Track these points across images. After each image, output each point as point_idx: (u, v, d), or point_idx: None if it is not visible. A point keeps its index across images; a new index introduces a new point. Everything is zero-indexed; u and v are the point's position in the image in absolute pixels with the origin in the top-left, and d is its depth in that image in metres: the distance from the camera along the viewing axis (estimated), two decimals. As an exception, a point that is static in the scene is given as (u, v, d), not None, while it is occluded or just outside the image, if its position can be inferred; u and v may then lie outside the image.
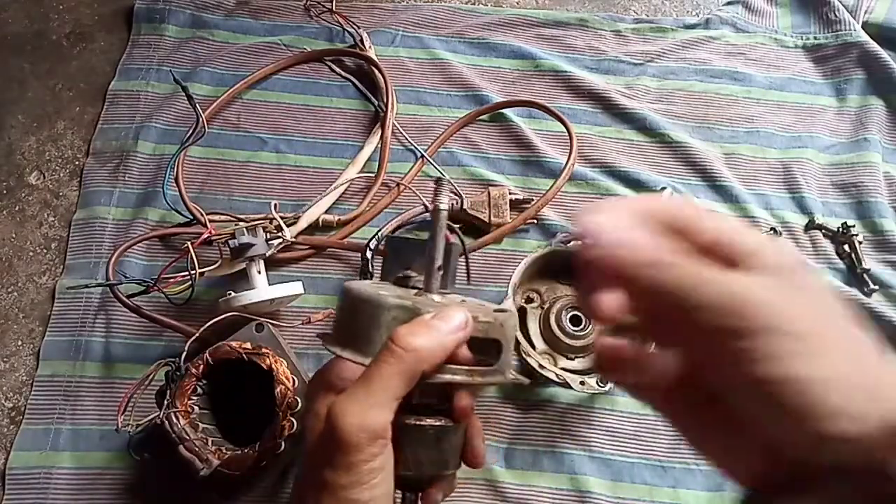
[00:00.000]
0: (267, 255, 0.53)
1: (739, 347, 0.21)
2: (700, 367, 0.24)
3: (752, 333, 0.21)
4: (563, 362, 0.51)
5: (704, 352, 0.23)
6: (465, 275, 0.51)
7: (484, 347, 0.32)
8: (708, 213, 0.25)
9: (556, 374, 0.48)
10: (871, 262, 0.58)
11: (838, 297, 0.23)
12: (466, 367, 0.32)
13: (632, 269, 0.23)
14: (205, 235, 0.51)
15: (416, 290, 0.34)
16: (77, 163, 0.63)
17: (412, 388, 0.30)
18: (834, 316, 0.23)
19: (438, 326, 0.30)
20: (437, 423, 0.32)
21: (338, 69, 0.68)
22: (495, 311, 0.34)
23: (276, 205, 0.54)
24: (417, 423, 0.31)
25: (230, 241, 0.51)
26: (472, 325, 0.31)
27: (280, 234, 0.53)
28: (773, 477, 0.23)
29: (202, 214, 0.54)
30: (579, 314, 0.50)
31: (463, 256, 0.46)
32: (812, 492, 0.21)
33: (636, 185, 0.62)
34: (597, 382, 0.48)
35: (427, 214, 0.58)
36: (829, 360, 0.21)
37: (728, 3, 0.74)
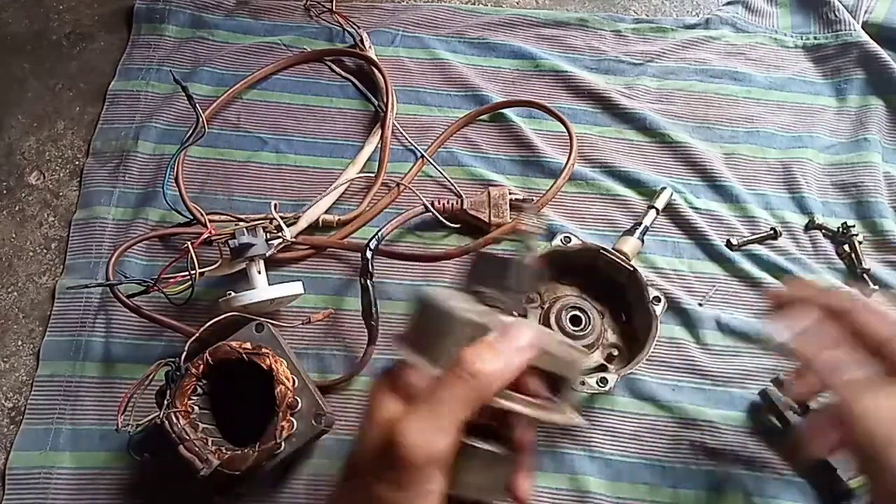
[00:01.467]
0: (267, 255, 0.53)
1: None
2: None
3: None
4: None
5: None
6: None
7: (550, 381, 0.32)
8: (876, 313, 0.30)
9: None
10: (871, 262, 0.58)
11: None
12: (530, 399, 0.31)
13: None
14: (205, 235, 0.51)
15: (492, 308, 0.34)
16: (77, 163, 0.63)
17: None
18: None
19: (503, 349, 0.30)
20: (492, 449, 0.31)
21: (338, 69, 0.68)
22: (568, 345, 0.33)
23: (276, 205, 0.54)
24: (472, 444, 0.31)
25: (230, 241, 0.51)
26: (536, 348, 0.30)
27: (280, 234, 0.53)
28: None
29: (202, 214, 0.54)
30: (579, 314, 0.50)
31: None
32: None
33: (636, 185, 0.62)
34: (597, 382, 0.48)
35: (427, 214, 0.58)
36: None
37: (728, 3, 0.74)
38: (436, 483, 0.28)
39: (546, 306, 0.51)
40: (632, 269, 0.52)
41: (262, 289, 0.51)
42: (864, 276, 0.57)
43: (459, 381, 0.29)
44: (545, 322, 0.50)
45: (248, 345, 0.47)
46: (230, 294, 0.50)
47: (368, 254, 0.52)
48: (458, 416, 0.28)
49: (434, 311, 0.31)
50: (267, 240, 0.52)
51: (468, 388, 0.29)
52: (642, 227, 0.57)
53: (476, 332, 0.30)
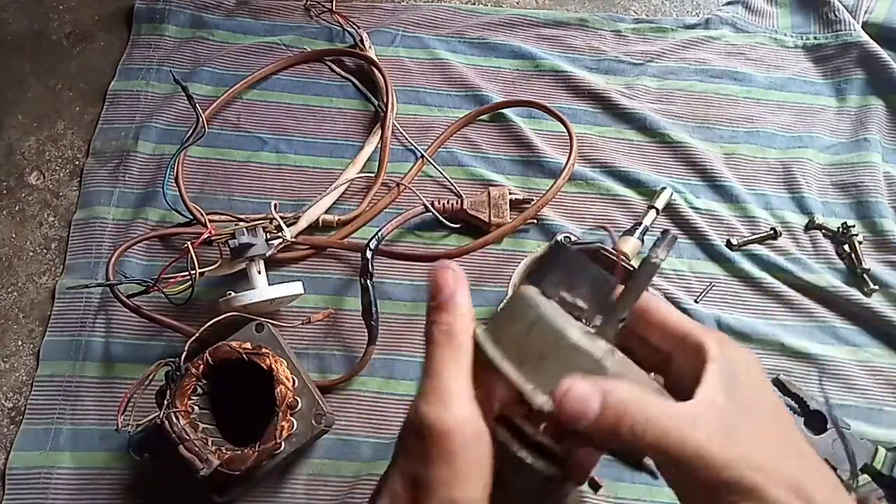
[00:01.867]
0: (267, 255, 0.53)
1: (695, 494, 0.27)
2: None
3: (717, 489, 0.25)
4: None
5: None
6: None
7: None
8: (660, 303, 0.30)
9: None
10: (871, 262, 0.58)
11: (781, 413, 0.28)
12: None
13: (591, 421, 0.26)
14: (205, 235, 0.51)
15: (591, 330, 0.30)
16: (77, 163, 0.63)
17: (533, 419, 0.27)
18: (780, 450, 0.26)
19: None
20: (548, 469, 0.28)
21: (338, 69, 0.68)
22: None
23: (276, 205, 0.54)
24: (527, 460, 0.28)
25: (230, 241, 0.51)
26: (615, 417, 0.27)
27: (280, 234, 0.53)
28: None
29: (202, 214, 0.54)
30: None
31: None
32: None
33: (636, 184, 0.62)
34: None
35: (427, 214, 0.58)
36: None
37: (728, 3, 0.74)
38: (473, 454, 0.26)
39: None
40: (632, 269, 0.52)
41: (262, 289, 0.51)
42: (864, 276, 0.57)
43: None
44: None
45: (248, 345, 0.47)
46: (230, 294, 0.50)
47: (368, 254, 0.52)
48: (460, 383, 0.27)
49: (542, 327, 0.28)
50: (267, 240, 0.52)
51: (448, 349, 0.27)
52: (642, 227, 0.57)
53: (590, 367, 0.27)
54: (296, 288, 0.52)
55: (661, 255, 0.29)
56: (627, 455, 0.29)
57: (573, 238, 0.53)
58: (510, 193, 0.59)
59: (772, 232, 0.59)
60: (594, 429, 0.26)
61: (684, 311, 0.56)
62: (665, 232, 0.29)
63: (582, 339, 0.27)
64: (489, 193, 0.59)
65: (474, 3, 0.73)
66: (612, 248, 0.53)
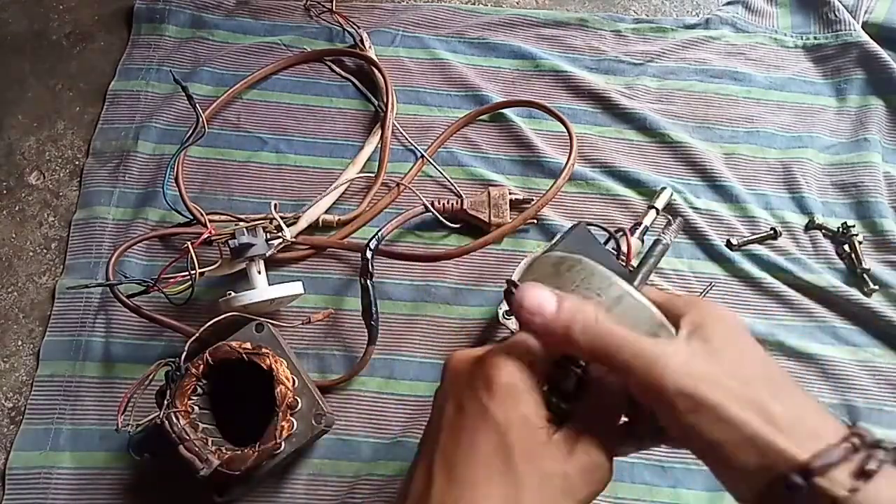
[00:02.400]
0: (267, 255, 0.53)
1: (660, 406, 0.26)
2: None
3: (670, 401, 0.26)
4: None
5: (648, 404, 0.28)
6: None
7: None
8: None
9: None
10: (871, 262, 0.58)
11: (752, 352, 0.28)
12: None
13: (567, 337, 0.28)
14: (205, 235, 0.51)
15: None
16: (77, 163, 0.63)
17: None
18: (749, 370, 0.27)
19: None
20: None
21: (338, 69, 0.68)
22: None
23: (276, 205, 0.54)
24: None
25: (230, 241, 0.51)
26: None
27: (280, 234, 0.53)
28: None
29: (202, 214, 0.54)
30: None
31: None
32: None
33: (636, 184, 0.62)
34: None
35: (427, 214, 0.58)
36: (739, 422, 0.25)
37: (728, 3, 0.74)
38: (523, 408, 0.28)
39: None
40: (632, 269, 0.52)
41: (262, 289, 0.51)
42: (864, 276, 0.57)
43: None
44: None
45: (248, 345, 0.47)
46: (230, 294, 0.50)
47: (368, 254, 0.52)
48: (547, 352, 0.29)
49: (625, 297, 0.29)
50: (267, 240, 0.52)
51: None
52: (642, 227, 0.57)
53: (657, 331, 0.29)
54: (296, 288, 0.52)
55: (671, 237, 0.32)
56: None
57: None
58: (510, 193, 0.59)
59: (772, 232, 0.59)
60: (549, 329, 0.28)
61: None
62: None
63: (654, 307, 0.29)
64: (489, 193, 0.59)
65: (474, 3, 0.73)
66: (620, 247, 0.53)
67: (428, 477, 0.28)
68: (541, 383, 0.30)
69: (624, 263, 0.41)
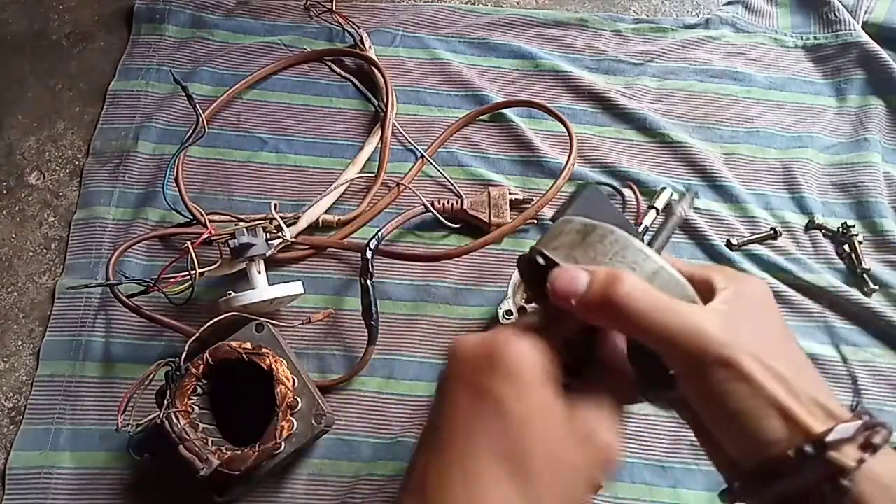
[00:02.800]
0: (267, 255, 0.53)
1: (694, 373, 0.26)
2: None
3: (710, 368, 0.26)
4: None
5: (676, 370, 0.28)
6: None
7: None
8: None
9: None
10: (871, 262, 0.58)
11: (780, 323, 0.29)
12: None
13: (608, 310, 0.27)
14: (205, 235, 0.51)
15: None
16: (77, 163, 0.63)
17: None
18: (780, 344, 0.28)
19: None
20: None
21: (338, 69, 0.68)
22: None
23: (276, 205, 0.54)
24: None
25: (230, 241, 0.51)
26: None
27: (280, 234, 0.53)
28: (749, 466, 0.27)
29: (202, 214, 0.54)
30: None
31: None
32: (783, 478, 0.25)
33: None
34: None
35: (427, 214, 0.58)
36: (769, 393, 0.26)
37: (728, 3, 0.74)
38: (539, 395, 0.27)
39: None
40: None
41: (262, 289, 0.51)
42: (864, 276, 0.57)
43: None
44: None
45: (248, 345, 0.47)
46: (230, 294, 0.50)
47: (368, 254, 0.52)
48: (560, 331, 0.29)
49: (661, 271, 0.29)
50: (267, 240, 0.52)
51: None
52: (642, 227, 0.57)
53: (681, 297, 0.28)
54: (296, 288, 0.52)
55: (685, 209, 0.32)
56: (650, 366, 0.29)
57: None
58: (510, 193, 0.59)
59: (772, 232, 0.59)
60: (587, 301, 0.27)
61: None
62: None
63: (629, 236, 0.29)
64: (489, 193, 0.59)
65: (474, 3, 0.73)
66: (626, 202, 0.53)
67: (437, 473, 0.27)
68: (556, 362, 0.28)
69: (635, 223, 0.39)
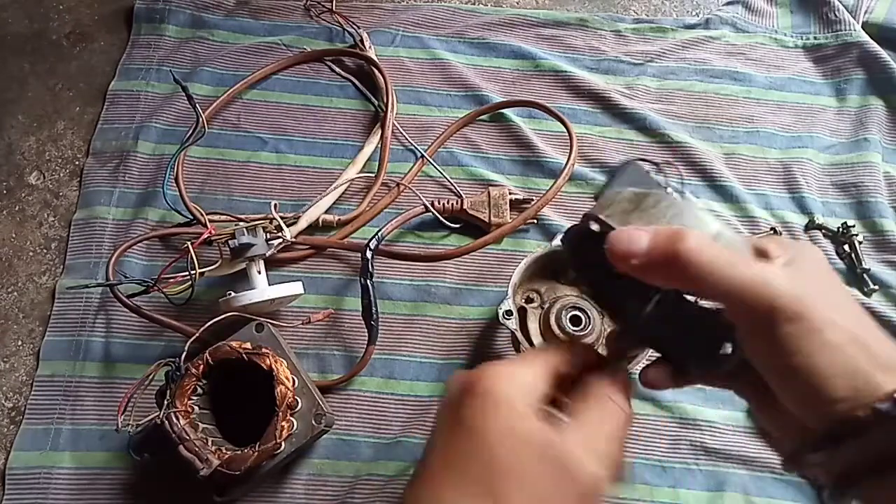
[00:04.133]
0: (267, 255, 0.53)
1: (765, 328, 0.26)
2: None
3: (781, 312, 0.25)
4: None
5: (742, 331, 0.27)
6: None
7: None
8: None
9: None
10: (871, 262, 0.58)
11: (840, 283, 0.29)
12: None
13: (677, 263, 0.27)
14: (205, 235, 0.51)
15: None
16: (77, 163, 0.63)
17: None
18: (845, 304, 0.27)
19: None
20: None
21: (338, 69, 0.68)
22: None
23: (276, 205, 0.54)
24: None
25: (230, 241, 0.51)
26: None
27: (280, 234, 0.53)
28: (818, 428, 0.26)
29: (202, 214, 0.54)
30: (579, 314, 0.50)
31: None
32: (858, 438, 0.24)
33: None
34: None
35: (427, 214, 0.58)
36: (840, 349, 0.25)
37: (728, 3, 0.74)
38: (513, 421, 0.27)
39: (546, 306, 0.51)
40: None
41: (262, 289, 0.51)
42: (864, 276, 0.57)
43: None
44: (545, 322, 0.50)
45: (248, 345, 0.47)
46: (230, 294, 0.50)
47: (368, 254, 0.52)
48: (550, 366, 0.29)
49: (723, 233, 0.28)
50: (267, 240, 0.52)
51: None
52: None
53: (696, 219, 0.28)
54: (296, 288, 0.52)
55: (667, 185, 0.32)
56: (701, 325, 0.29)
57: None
58: (510, 193, 0.59)
59: (772, 232, 0.59)
60: (656, 256, 0.27)
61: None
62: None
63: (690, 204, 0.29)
64: (489, 193, 0.59)
65: (474, 3, 0.73)
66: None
67: (415, 499, 0.28)
68: (542, 394, 0.29)
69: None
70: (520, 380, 0.29)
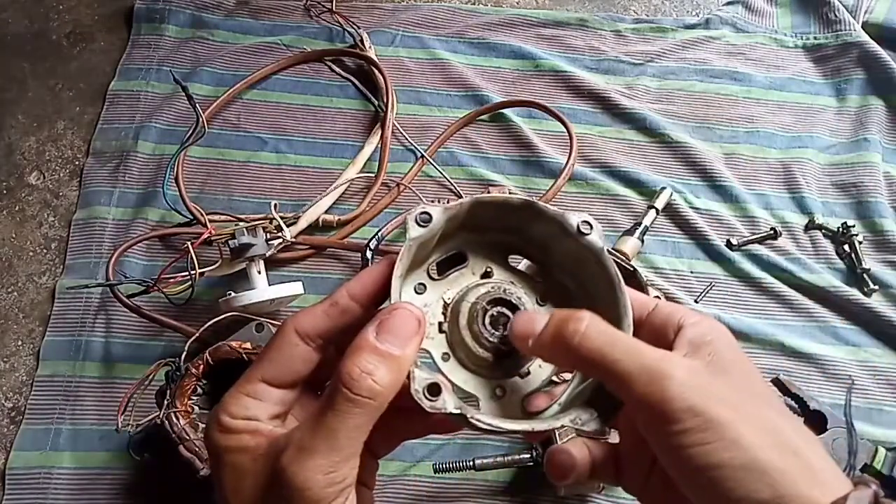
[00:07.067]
0: (267, 255, 0.53)
1: (660, 422, 0.23)
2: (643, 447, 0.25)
3: (674, 416, 0.23)
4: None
5: (639, 425, 0.24)
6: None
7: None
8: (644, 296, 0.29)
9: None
10: (871, 262, 0.58)
11: (760, 378, 0.26)
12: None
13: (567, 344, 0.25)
14: (205, 235, 0.51)
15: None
16: (77, 163, 0.63)
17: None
18: (757, 401, 0.24)
19: (389, 350, 0.24)
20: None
21: (338, 69, 0.68)
22: None
23: (276, 205, 0.54)
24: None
25: (230, 241, 0.51)
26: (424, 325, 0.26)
27: (280, 234, 0.53)
28: None
29: (202, 214, 0.54)
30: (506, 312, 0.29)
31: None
32: None
33: (636, 184, 0.62)
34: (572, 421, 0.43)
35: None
36: (749, 448, 0.22)
37: (728, 3, 0.74)
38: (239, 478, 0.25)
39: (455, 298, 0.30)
40: (632, 269, 0.52)
41: (262, 289, 0.51)
42: (864, 276, 0.57)
43: (357, 408, 0.24)
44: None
45: (248, 345, 0.47)
46: (230, 294, 0.50)
47: (368, 254, 0.52)
48: (361, 440, 0.25)
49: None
50: (267, 240, 0.52)
51: (367, 413, 0.24)
52: (642, 227, 0.57)
53: None
54: (296, 288, 0.52)
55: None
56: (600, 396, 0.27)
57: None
58: (510, 193, 0.59)
59: (772, 232, 0.59)
60: (541, 344, 0.26)
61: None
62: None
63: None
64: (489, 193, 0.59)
65: (474, 3, 0.73)
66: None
67: None
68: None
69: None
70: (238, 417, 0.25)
